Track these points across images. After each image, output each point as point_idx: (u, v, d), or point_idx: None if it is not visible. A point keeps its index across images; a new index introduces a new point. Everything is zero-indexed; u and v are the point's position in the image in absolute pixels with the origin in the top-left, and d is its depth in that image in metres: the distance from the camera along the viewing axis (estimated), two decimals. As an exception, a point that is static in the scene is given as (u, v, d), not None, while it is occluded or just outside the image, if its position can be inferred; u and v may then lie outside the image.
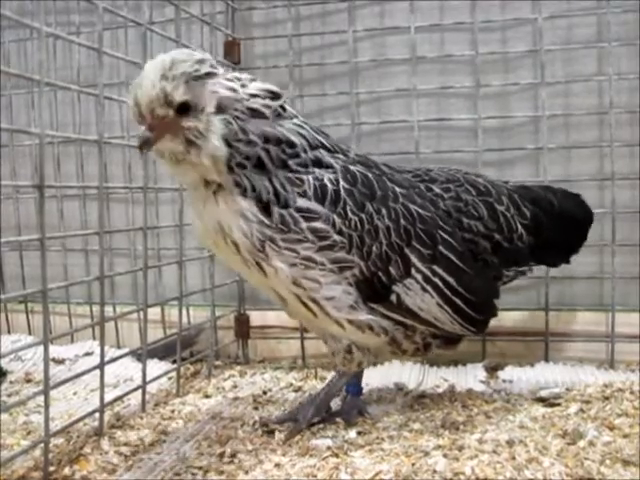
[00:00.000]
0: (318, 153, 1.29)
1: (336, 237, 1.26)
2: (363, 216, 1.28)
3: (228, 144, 1.21)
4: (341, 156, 1.33)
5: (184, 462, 1.26)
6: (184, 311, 1.91)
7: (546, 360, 1.87)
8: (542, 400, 1.54)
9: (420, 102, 1.95)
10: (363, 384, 1.54)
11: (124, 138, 2.04)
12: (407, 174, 1.46)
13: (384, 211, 1.31)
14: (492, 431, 1.33)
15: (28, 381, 1.86)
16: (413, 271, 1.33)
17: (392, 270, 1.31)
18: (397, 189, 1.36)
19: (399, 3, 1.98)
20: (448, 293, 1.36)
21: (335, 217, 1.26)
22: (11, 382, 1.85)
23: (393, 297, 1.32)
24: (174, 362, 1.80)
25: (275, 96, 1.27)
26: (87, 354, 2.06)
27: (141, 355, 1.61)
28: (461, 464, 1.17)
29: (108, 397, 1.48)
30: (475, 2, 1.90)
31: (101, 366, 1.42)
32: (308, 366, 1.96)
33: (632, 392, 1.54)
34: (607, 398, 1.52)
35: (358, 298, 1.30)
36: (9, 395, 1.73)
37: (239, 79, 1.25)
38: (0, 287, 2.33)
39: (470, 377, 1.77)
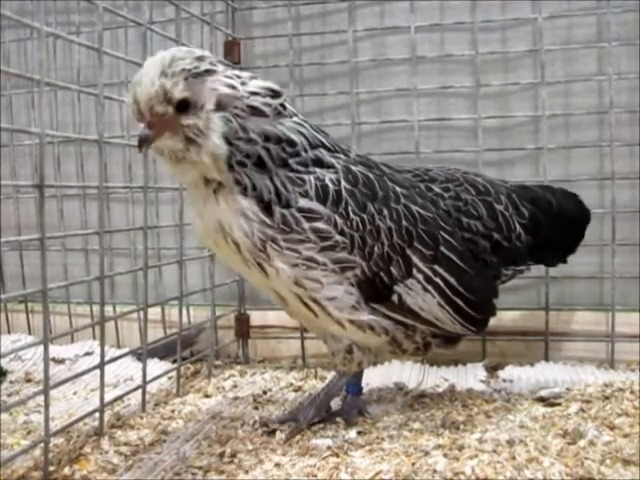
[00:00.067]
0: (318, 152, 1.29)
1: (338, 237, 1.26)
2: (365, 216, 1.28)
3: (228, 142, 1.20)
4: (342, 156, 1.33)
5: (184, 462, 1.25)
6: (184, 311, 1.91)
7: (546, 360, 1.87)
8: (542, 400, 1.54)
9: (420, 102, 1.95)
10: (363, 384, 1.54)
11: (124, 138, 2.04)
12: (407, 174, 1.47)
13: (386, 212, 1.31)
14: (492, 431, 1.33)
15: (28, 381, 1.86)
16: (414, 271, 1.33)
17: (394, 270, 1.31)
18: (398, 189, 1.36)
19: (399, 3, 1.98)
20: (449, 293, 1.36)
21: (337, 217, 1.26)
22: (11, 382, 1.85)
23: (394, 297, 1.32)
24: (174, 362, 1.80)
25: (275, 94, 1.27)
26: (87, 354, 2.06)
27: (141, 355, 1.61)
28: (461, 464, 1.17)
29: (108, 397, 1.48)
30: (475, 2, 1.90)
31: (101, 366, 1.42)
32: (308, 366, 1.96)
33: (632, 392, 1.54)
34: (607, 398, 1.52)
35: (360, 298, 1.30)
36: (9, 395, 1.73)
37: (239, 77, 1.25)
38: (0, 287, 2.33)
39: (470, 377, 1.77)
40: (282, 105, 1.27)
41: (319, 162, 1.28)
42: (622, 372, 1.77)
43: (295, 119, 1.29)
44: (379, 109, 2.05)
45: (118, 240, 2.19)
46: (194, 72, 1.19)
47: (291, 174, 1.25)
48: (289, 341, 2.02)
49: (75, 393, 1.74)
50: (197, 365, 1.95)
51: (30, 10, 2.14)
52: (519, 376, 1.76)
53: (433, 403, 1.55)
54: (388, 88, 2.00)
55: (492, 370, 1.82)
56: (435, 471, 1.15)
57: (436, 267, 1.34)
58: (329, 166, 1.29)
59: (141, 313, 1.66)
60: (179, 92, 1.17)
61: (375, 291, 1.31)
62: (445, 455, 1.21)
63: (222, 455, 1.27)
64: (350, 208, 1.27)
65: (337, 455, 1.25)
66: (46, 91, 1.24)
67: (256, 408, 1.58)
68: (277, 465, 1.23)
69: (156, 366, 1.85)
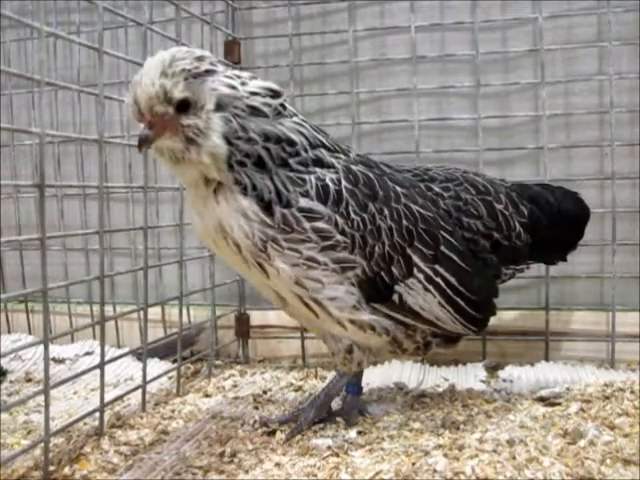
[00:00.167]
0: (319, 152, 1.29)
1: (339, 237, 1.26)
2: (365, 216, 1.28)
3: (228, 142, 1.20)
4: (342, 156, 1.33)
5: (184, 462, 1.25)
6: (184, 310, 1.91)
7: (546, 359, 1.87)
8: (542, 399, 1.54)
9: (420, 102, 1.95)
10: (363, 384, 1.54)
11: (124, 138, 2.04)
12: (407, 173, 1.47)
13: (386, 211, 1.31)
14: (492, 430, 1.33)
15: (28, 380, 1.86)
16: (415, 271, 1.33)
17: (394, 270, 1.31)
18: (398, 189, 1.35)
19: (399, 2, 1.98)
20: (450, 292, 1.36)
21: (338, 217, 1.26)
22: (11, 381, 1.85)
23: (395, 297, 1.32)
24: (174, 361, 1.80)
25: (275, 94, 1.27)
26: (87, 353, 2.07)
27: (141, 354, 1.61)
28: (461, 464, 1.17)
29: (108, 397, 1.48)
30: (476, 2, 1.90)
31: (101, 365, 1.42)
32: (308, 366, 1.96)
33: (632, 391, 1.54)
34: (607, 397, 1.52)
35: (361, 298, 1.30)
36: (9, 394, 1.73)
37: (239, 77, 1.25)
38: (0, 286, 2.33)
39: (470, 376, 1.77)
40: (282, 105, 1.27)
41: (319, 162, 1.28)
42: (622, 372, 1.77)
43: (295, 119, 1.29)
44: (379, 109, 2.05)
45: (118, 240, 2.19)
46: (194, 72, 1.19)
47: (291, 174, 1.25)
48: (289, 341, 2.02)
49: (75, 393, 1.74)
50: (197, 365, 1.95)
51: (30, 10, 2.14)
52: (519, 376, 1.76)
53: (433, 403, 1.55)
54: (388, 88, 2.00)
55: (492, 370, 1.83)
56: (435, 471, 1.15)
57: (437, 267, 1.34)
58: (329, 166, 1.29)
59: (141, 313, 1.66)
60: (179, 92, 1.17)
61: (376, 291, 1.31)
62: (445, 455, 1.21)
63: (222, 455, 1.28)
64: (351, 208, 1.27)
65: (337, 455, 1.25)
66: (46, 91, 1.24)
67: (256, 408, 1.58)
68: (277, 465, 1.23)
69: (156, 366, 1.86)
